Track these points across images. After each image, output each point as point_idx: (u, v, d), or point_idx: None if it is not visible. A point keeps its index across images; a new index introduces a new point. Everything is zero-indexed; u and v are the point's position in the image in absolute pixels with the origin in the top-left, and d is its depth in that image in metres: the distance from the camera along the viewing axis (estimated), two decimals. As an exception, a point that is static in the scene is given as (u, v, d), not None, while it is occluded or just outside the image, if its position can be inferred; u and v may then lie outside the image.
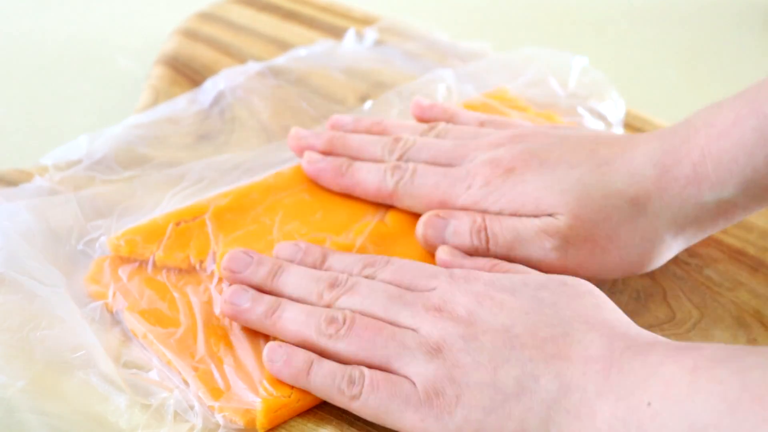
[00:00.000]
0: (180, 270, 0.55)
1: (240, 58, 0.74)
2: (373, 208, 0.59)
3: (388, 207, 0.59)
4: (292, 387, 0.49)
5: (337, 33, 0.77)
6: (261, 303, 0.52)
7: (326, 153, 0.61)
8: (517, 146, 0.58)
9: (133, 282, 0.54)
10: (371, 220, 0.58)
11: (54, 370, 0.50)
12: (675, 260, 0.59)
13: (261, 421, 0.48)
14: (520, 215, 0.55)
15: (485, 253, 0.55)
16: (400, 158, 0.60)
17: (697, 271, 0.58)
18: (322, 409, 0.50)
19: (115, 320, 0.53)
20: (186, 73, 0.72)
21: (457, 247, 0.55)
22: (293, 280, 0.53)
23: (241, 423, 0.48)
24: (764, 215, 0.62)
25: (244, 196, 0.59)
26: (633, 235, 0.54)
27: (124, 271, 0.55)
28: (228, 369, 0.50)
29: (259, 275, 0.53)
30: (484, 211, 0.56)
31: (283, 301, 0.51)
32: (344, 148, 0.61)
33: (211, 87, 0.69)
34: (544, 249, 0.54)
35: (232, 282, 0.53)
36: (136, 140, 0.64)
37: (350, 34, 0.76)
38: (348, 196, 0.60)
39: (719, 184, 0.53)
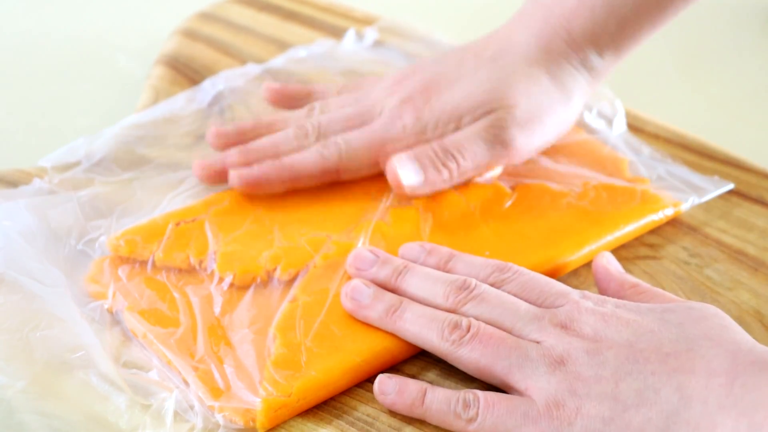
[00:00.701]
0: (180, 270, 0.55)
1: (240, 58, 0.74)
2: (374, 208, 0.59)
3: (389, 206, 0.59)
4: (292, 387, 0.49)
5: (337, 33, 0.77)
6: (382, 300, 0.52)
7: (243, 164, 0.60)
8: (415, 79, 0.62)
9: (133, 282, 0.54)
10: (372, 220, 0.58)
11: (54, 371, 0.50)
12: (675, 260, 0.59)
13: (261, 421, 0.48)
14: (462, 128, 0.60)
15: (453, 174, 0.59)
16: (318, 137, 0.61)
17: (697, 271, 0.58)
18: (322, 409, 0.50)
19: (115, 320, 0.53)
20: (186, 73, 0.72)
21: (431, 178, 0.59)
22: (417, 281, 0.53)
23: (240, 423, 0.48)
24: (764, 215, 0.62)
25: (243, 196, 0.59)
26: (552, 101, 0.61)
27: (123, 271, 0.55)
28: (228, 369, 0.50)
29: (383, 274, 0.54)
30: (427, 141, 0.60)
31: (405, 300, 0.52)
32: (259, 153, 0.61)
33: (210, 87, 0.69)
34: (502, 141, 0.60)
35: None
36: (135, 141, 0.64)
37: (350, 34, 0.75)
38: (348, 196, 0.60)
39: (594, 51, 0.61)
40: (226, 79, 0.70)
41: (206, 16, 0.78)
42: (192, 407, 0.49)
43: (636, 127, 0.69)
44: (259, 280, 0.55)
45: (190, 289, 0.54)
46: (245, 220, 0.58)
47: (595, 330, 0.48)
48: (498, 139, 0.59)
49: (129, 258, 0.55)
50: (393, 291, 0.53)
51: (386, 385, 0.49)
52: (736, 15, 0.65)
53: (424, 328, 0.50)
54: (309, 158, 0.60)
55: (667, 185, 0.63)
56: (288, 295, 0.54)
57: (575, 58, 0.61)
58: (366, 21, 0.78)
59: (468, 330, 0.49)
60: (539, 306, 0.51)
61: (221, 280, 0.54)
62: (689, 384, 0.45)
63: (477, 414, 0.47)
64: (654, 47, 0.63)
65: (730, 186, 0.64)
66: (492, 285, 0.52)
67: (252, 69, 0.71)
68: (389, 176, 0.59)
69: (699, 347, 0.46)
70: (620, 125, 0.68)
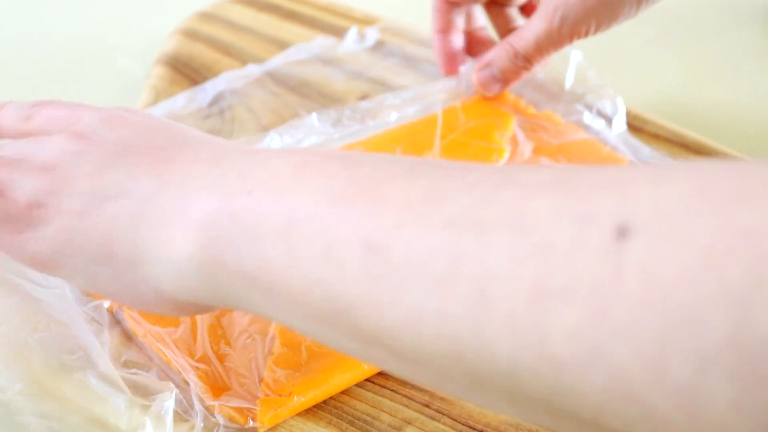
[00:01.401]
0: (180, 270, 0.55)
1: (240, 58, 0.74)
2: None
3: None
4: (292, 386, 0.49)
5: (337, 33, 0.77)
6: None
7: None
8: None
9: (133, 282, 0.54)
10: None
11: (53, 372, 0.50)
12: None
13: (261, 420, 0.48)
14: None
15: (531, 65, 0.66)
16: None
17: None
18: (322, 408, 0.50)
19: (115, 320, 0.53)
20: (186, 73, 0.72)
21: (511, 80, 0.67)
22: None
23: (241, 422, 0.48)
24: (764, 215, 0.62)
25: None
26: None
27: (123, 271, 0.55)
28: (228, 368, 0.50)
29: None
30: None
31: None
32: None
33: (211, 87, 0.69)
34: (554, 23, 0.63)
35: None
36: None
37: (352, 33, 0.75)
38: None
39: None
40: (228, 80, 0.70)
41: (206, 16, 0.78)
42: (192, 407, 0.49)
43: (636, 127, 0.69)
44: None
45: (189, 289, 0.54)
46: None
47: (92, 129, 0.44)
48: None
49: (129, 258, 0.55)
50: None
51: None
52: (736, 15, 0.65)
53: None
54: None
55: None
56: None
57: None
58: (366, 21, 0.78)
59: None
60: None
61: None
62: (170, 171, 0.42)
63: None
64: (654, 47, 0.63)
65: (730, 186, 0.63)
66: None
67: (253, 71, 0.71)
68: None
69: (192, 141, 0.43)
70: (620, 124, 0.68)
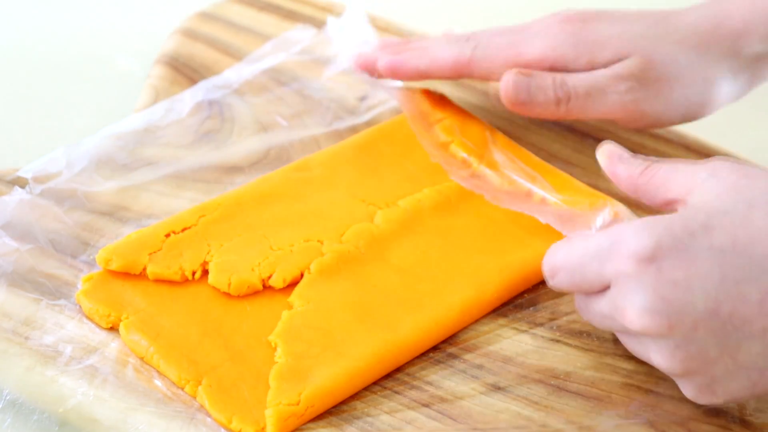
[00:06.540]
0: (174, 282, 0.54)
1: (240, 58, 0.74)
2: (362, 211, 0.59)
3: (377, 208, 0.59)
4: (300, 395, 0.49)
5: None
6: None
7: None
8: (576, 11, 0.63)
9: (127, 296, 0.53)
10: (362, 223, 0.58)
11: (54, 388, 0.50)
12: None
13: (272, 430, 0.48)
14: (594, 65, 0.61)
15: (566, 107, 0.61)
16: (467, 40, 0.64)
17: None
18: (331, 413, 0.50)
19: (112, 336, 0.53)
20: (186, 72, 0.72)
21: (538, 102, 0.61)
22: None
23: (251, 432, 0.48)
24: (764, 215, 0.62)
25: (234, 204, 0.58)
26: (695, 77, 0.61)
27: (116, 286, 0.54)
28: (232, 380, 0.50)
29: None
30: (559, 56, 0.61)
31: None
32: (408, 47, 0.67)
33: (189, 97, 0.68)
34: (618, 93, 0.60)
35: None
36: (116, 150, 0.62)
37: (331, 24, 0.74)
38: (335, 200, 0.59)
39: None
40: (206, 90, 0.69)
41: (206, 16, 0.78)
42: (198, 419, 0.49)
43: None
44: (255, 289, 0.54)
45: (185, 300, 0.53)
46: (236, 229, 0.57)
47: (655, 311, 0.46)
48: (617, 89, 0.61)
49: (121, 272, 0.54)
50: None
51: None
52: (736, 14, 0.65)
53: None
54: (446, 47, 0.63)
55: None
56: (286, 303, 0.54)
57: (742, 42, 0.62)
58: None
59: None
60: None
61: (217, 290, 0.54)
62: None
63: None
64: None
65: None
66: None
67: (232, 79, 0.70)
68: (501, 86, 0.62)
69: None
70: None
